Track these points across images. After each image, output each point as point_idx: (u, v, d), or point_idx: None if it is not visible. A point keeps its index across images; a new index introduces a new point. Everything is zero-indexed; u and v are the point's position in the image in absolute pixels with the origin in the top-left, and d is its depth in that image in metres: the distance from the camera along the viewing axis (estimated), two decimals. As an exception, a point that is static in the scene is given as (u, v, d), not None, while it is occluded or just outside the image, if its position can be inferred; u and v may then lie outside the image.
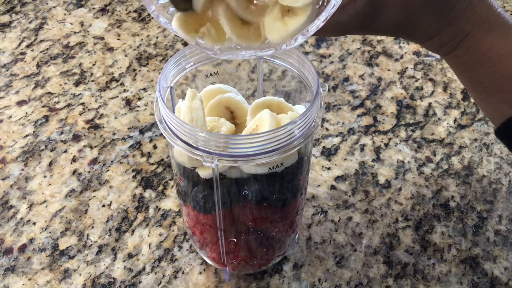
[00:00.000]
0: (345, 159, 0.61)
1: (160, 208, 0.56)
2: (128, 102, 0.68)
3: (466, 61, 0.40)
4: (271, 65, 0.45)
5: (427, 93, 0.70)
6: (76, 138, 0.63)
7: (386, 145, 0.63)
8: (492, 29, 0.38)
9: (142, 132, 0.64)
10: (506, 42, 0.38)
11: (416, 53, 0.76)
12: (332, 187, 0.58)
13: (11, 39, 0.77)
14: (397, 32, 0.41)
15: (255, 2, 0.34)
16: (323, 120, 0.66)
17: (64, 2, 0.83)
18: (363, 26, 0.39)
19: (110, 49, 0.76)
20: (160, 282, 0.50)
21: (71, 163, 0.61)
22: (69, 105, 0.67)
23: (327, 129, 0.65)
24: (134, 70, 0.72)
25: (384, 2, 0.37)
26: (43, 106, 0.67)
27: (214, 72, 0.45)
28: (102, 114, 0.66)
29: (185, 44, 0.76)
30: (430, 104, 0.68)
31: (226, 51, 0.35)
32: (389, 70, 0.73)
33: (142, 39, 0.77)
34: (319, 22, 0.33)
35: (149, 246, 0.53)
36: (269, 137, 0.36)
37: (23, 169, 0.60)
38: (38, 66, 0.73)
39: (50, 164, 0.60)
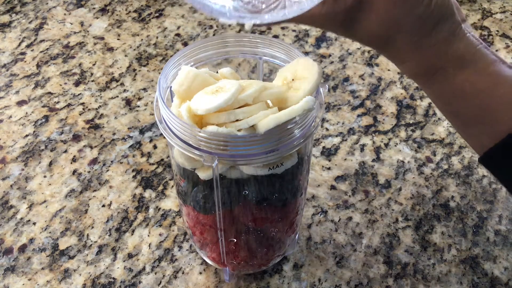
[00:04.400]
0: (345, 159, 0.61)
1: (160, 208, 0.56)
2: (128, 102, 0.68)
3: (441, 94, 0.40)
4: (271, 65, 0.45)
5: (427, 93, 0.70)
6: (76, 138, 0.63)
7: (386, 145, 0.63)
8: (466, 66, 0.38)
9: (142, 132, 0.64)
10: (481, 77, 0.38)
11: (416, 53, 0.76)
12: (332, 187, 0.58)
13: (11, 39, 0.77)
14: (374, 42, 0.39)
15: None
16: (323, 120, 0.66)
17: (64, 2, 0.83)
18: (344, 24, 0.38)
19: (110, 49, 0.76)
20: (160, 282, 0.50)
21: (71, 163, 0.61)
22: (69, 105, 0.67)
23: (327, 129, 0.65)
24: (134, 70, 0.72)
25: (371, 1, 0.36)
26: (43, 106, 0.67)
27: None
28: (102, 114, 0.66)
29: (185, 44, 0.76)
30: (430, 104, 0.68)
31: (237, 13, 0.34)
32: (389, 70, 0.73)
33: (142, 39, 0.77)
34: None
35: (149, 246, 0.53)
36: (269, 137, 0.36)
37: (23, 169, 0.60)
38: (38, 66, 0.73)
39: (50, 164, 0.60)
